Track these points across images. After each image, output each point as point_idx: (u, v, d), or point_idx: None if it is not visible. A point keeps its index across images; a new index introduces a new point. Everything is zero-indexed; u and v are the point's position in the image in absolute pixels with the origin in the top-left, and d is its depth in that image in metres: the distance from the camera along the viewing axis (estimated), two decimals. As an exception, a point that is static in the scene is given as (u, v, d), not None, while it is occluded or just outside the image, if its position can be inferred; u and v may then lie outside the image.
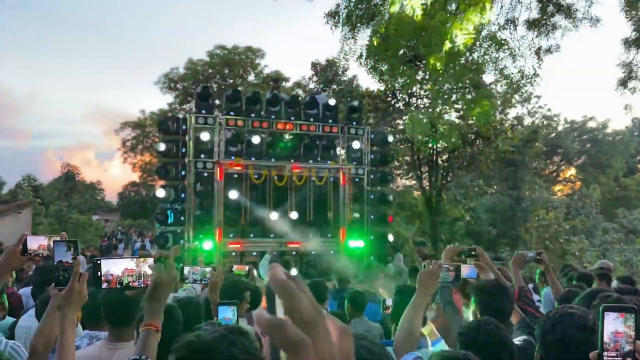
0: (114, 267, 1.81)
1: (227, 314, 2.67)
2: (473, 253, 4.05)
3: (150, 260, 1.75)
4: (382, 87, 12.30)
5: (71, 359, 1.95)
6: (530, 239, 16.70)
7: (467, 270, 3.47)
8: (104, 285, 1.85)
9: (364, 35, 8.91)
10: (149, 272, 1.76)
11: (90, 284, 1.94)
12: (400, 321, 2.44)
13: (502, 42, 8.33)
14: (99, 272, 1.81)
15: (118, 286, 1.82)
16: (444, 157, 18.89)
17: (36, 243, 2.19)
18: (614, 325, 1.33)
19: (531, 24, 10.94)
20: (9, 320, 4.08)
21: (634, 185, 34.11)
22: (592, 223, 20.64)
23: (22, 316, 3.67)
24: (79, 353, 2.72)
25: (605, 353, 1.33)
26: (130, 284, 1.81)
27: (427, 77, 12.95)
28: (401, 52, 8.47)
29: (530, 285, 5.64)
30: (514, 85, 8.79)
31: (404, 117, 17.41)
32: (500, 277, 3.48)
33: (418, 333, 2.39)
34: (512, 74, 8.73)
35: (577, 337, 1.58)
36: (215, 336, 1.50)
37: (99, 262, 1.83)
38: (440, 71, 8.25)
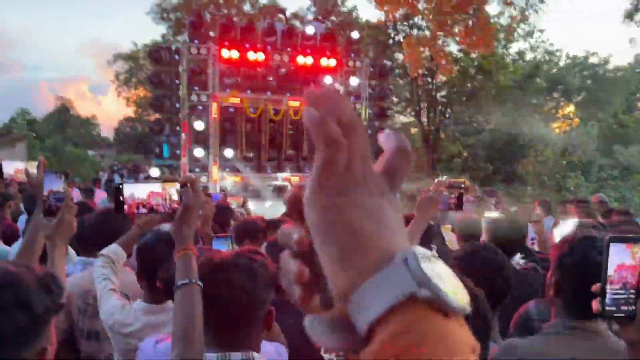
0: (139, 191, 1.71)
1: (221, 245, 2.62)
2: (462, 186, 4.02)
3: (176, 184, 1.66)
4: (382, 17, 11.87)
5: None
6: (527, 175, 16.74)
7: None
8: (131, 211, 1.74)
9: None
10: (175, 196, 1.68)
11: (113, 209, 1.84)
12: None
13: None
14: (121, 197, 1.70)
15: (143, 210, 1.72)
16: (443, 92, 18.57)
17: (12, 167, 2.12)
18: (619, 257, 1.26)
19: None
20: (4, 249, 4.09)
21: (632, 123, 33.85)
22: (589, 160, 20.67)
23: (14, 244, 3.66)
24: (72, 279, 2.70)
25: (609, 286, 1.26)
26: (156, 207, 1.71)
27: (429, 6, 12.50)
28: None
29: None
30: (519, 14, 8.46)
31: (405, 50, 16.98)
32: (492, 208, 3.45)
33: None
34: (517, 1, 8.40)
35: (597, 260, 1.52)
36: (234, 254, 1.58)
37: (120, 186, 1.72)
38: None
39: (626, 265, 1.26)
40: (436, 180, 3.82)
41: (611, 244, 1.26)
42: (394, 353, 0.41)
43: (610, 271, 1.26)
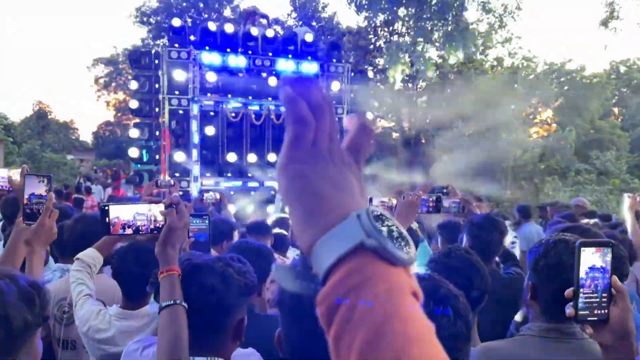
0: (124, 213, 1.72)
1: (199, 225, 2.60)
2: (445, 191, 4.05)
3: (161, 206, 1.67)
4: (363, 23, 11.94)
5: None
6: (506, 178, 16.96)
7: (446, 204, 3.48)
8: (116, 232, 1.75)
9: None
10: (160, 217, 1.68)
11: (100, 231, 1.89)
12: None
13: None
14: (107, 218, 1.71)
15: (129, 231, 1.73)
16: (424, 97, 18.74)
17: None
18: (590, 260, 1.29)
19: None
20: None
21: (608, 128, 34.57)
22: (566, 164, 21.02)
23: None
24: (50, 286, 2.66)
25: (581, 290, 1.29)
26: (141, 228, 1.72)
27: (409, 12, 12.62)
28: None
29: (508, 222, 5.71)
30: (497, 20, 8.62)
31: (385, 55, 17.05)
32: (477, 211, 3.49)
33: None
34: (495, 8, 8.55)
35: (571, 263, 1.55)
36: (213, 258, 1.60)
37: (106, 207, 1.73)
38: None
39: (597, 270, 1.29)
40: (419, 184, 3.85)
41: (582, 249, 1.29)
42: (338, 294, 0.47)
43: (582, 275, 1.29)
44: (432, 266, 2.03)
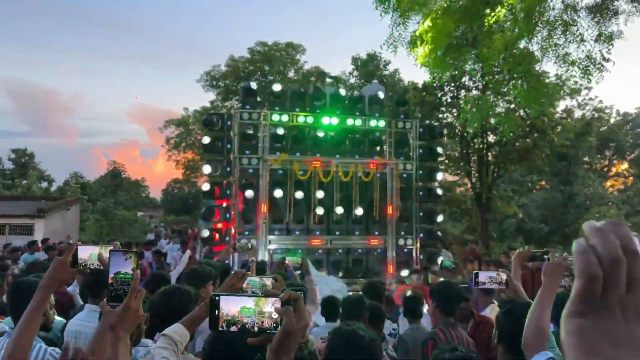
0: (231, 306, 1.49)
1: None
2: (546, 257, 3.67)
3: (274, 300, 1.41)
4: (429, 78, 11.82)
5: None
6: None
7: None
8: (223, 328, 1.49)
9: (414, 22, 8.53)
10: (275, 315, 1.42)
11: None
12: (527, 317, 2.22)
13: (570, 22, 7.75)
14: (217, 311, 1.47)
15: (233, 328, 1.46)
16: (494, 151, 18.15)
17: (87, 253, 1.96)
18: None
19: (591, 9, 10.27)
20: (60, 321, 3.95)
21: (694, 180, 32.20)
22: (652, 220, 19.56)
23: (71, 319, 3.50)
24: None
25: None
26: (248, 326, 1.46)
27: (477, 68, 12.45)
28: (453, 39, 8.07)
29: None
30: (582, 72, 8.22)
31: (453, 110, 16.79)
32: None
33: (548, 331, 2.18)
34: (580, 58, 8.16)
35: None
36: None
37: (217, 298, 1.49)
38: (496, 57, 7.86)
39: None
40: (517, 250, 3.47)
41: None
42: None
43: None
44: None
